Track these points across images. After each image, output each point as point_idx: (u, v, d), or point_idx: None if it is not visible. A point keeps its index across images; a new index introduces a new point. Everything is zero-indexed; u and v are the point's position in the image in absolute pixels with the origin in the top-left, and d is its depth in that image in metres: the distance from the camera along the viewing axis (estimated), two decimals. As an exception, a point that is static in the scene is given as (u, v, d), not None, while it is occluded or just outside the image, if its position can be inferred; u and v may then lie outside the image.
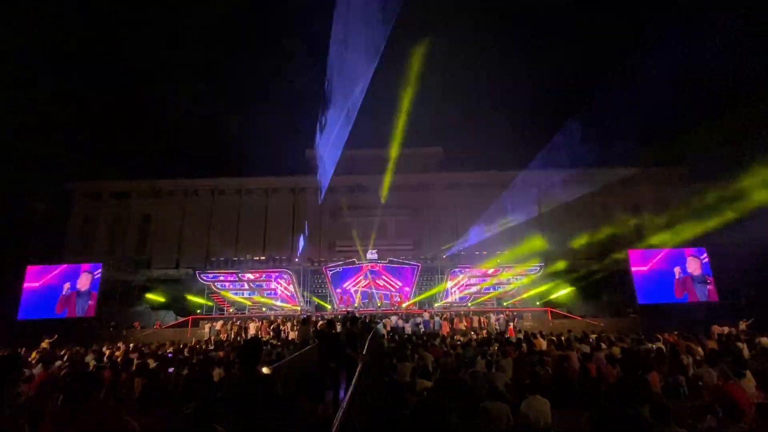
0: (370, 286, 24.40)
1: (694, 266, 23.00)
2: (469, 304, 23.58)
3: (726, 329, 13.87)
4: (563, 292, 23.42)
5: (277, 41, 52.65)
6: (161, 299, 24.97)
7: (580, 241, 26.30)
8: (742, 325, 15.51)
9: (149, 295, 24.96)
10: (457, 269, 24.24)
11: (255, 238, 30.17)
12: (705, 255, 23.07)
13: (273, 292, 24.23)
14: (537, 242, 25.34)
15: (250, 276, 24.20)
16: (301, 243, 29.16)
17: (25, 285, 23.40)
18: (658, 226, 26.01)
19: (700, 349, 9.51)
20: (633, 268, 23.28)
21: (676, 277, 22.98)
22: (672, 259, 23.34)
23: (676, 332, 13.52)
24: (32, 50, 32.29)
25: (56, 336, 16.84)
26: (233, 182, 32.18)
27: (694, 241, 23.93)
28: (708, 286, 22.51)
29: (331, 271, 24.72)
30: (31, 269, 23.74)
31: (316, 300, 24.48)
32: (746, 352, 9.13)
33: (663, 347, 10.11)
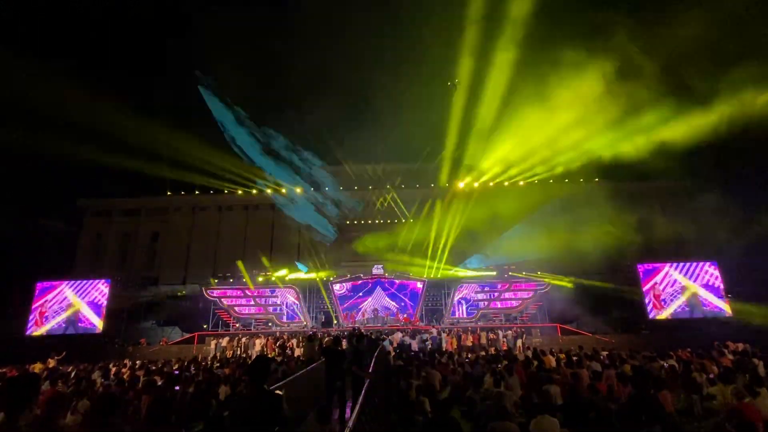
0: (377, 302, 24.24)
1: (706, 281, 22.58)
2: (477, 320, 23.27)
3: (740, 346, 13.54)
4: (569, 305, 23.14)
5: (282, 57, 53.82)
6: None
7: (588, 255, 25.98)
8: None
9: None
10: (463, 285, 24.03)
11: (261, 254, 30.27)
12: (717, 269, 22.68)
13: (278, 308, 24.16)
14: (545, 256, 25.11)
15: (256, 292, 24.20)
16: (306, 259, 29.18)
17: (34, 301, 23.62)
18: (668, 240, 25.66)
19: (714, 366, 9.29)
20: (643, 283, 22.93)
21: (688, 291, 22.56)
22: (683, 273, 22.95)
23: (689, 349, 13.24)
24: (37, 62, 33.05)
25: (64, 353, 16.89)
26: (240, 198, 32.48)
27: (706, 254, 23.54)
28: (721, 301, 22.04)
29: (336, 286, 24.64)
30: (39, 285, 23.99)
31: (329, 308, 24.32)
32: (761, 370, 8.90)
33: (676, 365, 9.88)
